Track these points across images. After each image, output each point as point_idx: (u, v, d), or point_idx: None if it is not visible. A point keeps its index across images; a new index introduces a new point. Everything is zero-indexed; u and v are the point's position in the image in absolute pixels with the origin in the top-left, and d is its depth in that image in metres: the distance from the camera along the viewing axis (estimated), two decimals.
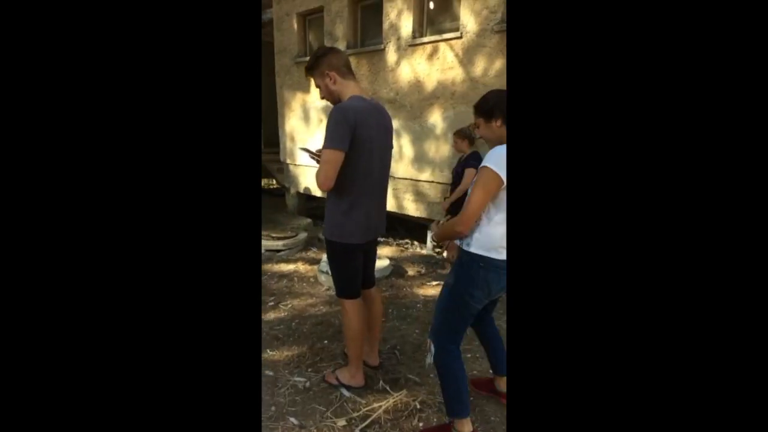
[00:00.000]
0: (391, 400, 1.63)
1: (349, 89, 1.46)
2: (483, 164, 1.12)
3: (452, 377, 1.31)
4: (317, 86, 1.52)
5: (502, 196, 1.13)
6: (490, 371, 1.68)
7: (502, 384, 1.61)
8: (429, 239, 1.16)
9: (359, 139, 1.36)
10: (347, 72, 1.47)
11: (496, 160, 1.09)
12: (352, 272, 1.57)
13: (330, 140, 1.33)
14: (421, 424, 1.50)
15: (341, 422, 1.50)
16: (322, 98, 1.53)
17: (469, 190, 1.18)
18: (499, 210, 1.15)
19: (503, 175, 1.08)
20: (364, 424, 1.50)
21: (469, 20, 3.08)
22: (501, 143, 1.19)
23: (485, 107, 1.22)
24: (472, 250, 1.19)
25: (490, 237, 1.16)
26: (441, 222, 1.54)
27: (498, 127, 1.21)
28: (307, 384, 1.73)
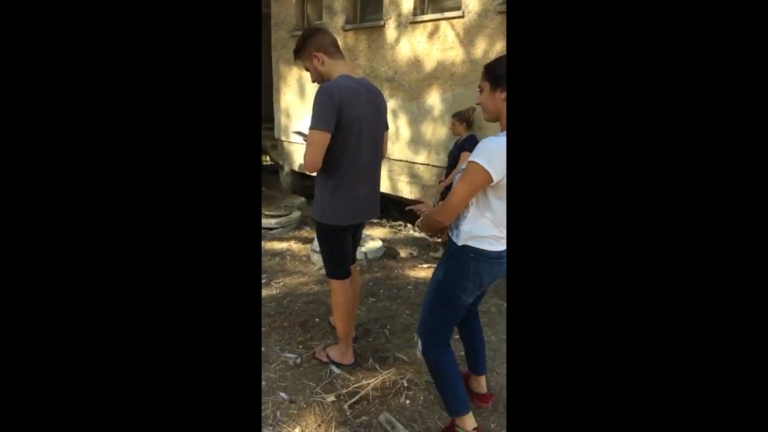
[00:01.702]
0: (380, 378, 1.67)
1: (338, 69, 1.43)
2: (472, 158, 1.02)
3: (444, 374, 1.26)
4: (306, 69, 1.49)
5: (491, 192, 1.06)
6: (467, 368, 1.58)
7: (478, 384, 1.53)
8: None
9: (346, 120, 1.34)
10: (335, 51, 1.44)
11: (488, 156, 1.00)
12: (341, 253, 1.57)
13: (315, 121, 1.31)
14: (408, 402, 1.55)
15: (330, 398, 1.54)
16: (313, 81, 1.50)
17: (455, 181, 1.11)
18: (488, 205, 1.08)
19: (492, 172, 0.99)
20: (352, 400, 1.54)
21: None
22: (497, 119, 1.10)
23: (496, 72, 1.06)
24: (462, 241, 1.13)
25: (480, 228, 1.10)
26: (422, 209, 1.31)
27: (501, 99, 1.06)
28: (298, 360, 1.76)
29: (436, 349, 1.26)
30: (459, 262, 1.15)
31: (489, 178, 1.01)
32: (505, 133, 1.05)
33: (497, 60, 1.08)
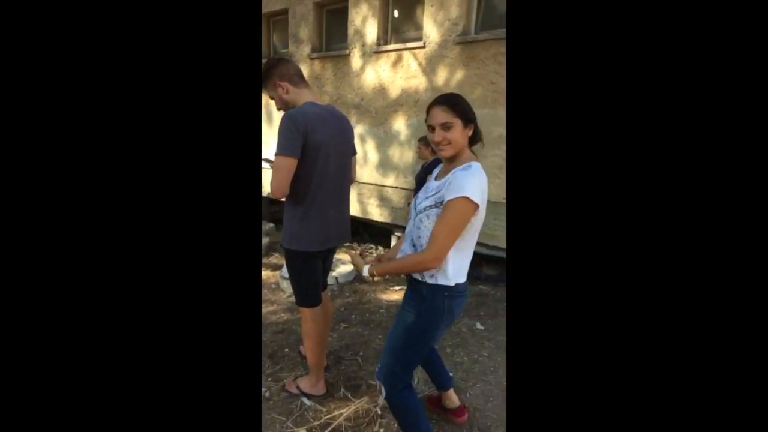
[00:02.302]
0: (352, 407, 1.62)
1: (302, 97, 1.45)
2: (460, 194, 1.00)
3: (408, 412, 1.23)
4: (271, 98, 1.50)
5: (474, 220, 1.06)
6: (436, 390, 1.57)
7: (449, 400, 1.55)
8: (364, 270, 1.06)
9: (312, 145, 1.35)
10: (300, 80, 1.46)
11: (472, 189, 1.01)
12: (311, 280, 1.55)
13: (281, 147, 1.32)
14: (381, 430, 1.51)
15: (302, 431, 1.48)
16: (279, 109, 1.52)
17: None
18: (466, 237, 1.08)
19: (480, 202, 1.02)
20: None
21: (432, 30, 3.17)
22: (460, 154, 1.11)
23: (467, 110, 1.08)
24: (439, 282, 1.10)
25: (457, 266, 1.10)
26: (366, 252, 1.30)
27: (468, 135, 1.10)
28: (267, 394, 1.69)
29: (402, 392, 1.21)
30: (432, 303, 1.12)
31: (476, 209, 1.03)
32: (469, 165, 1.07)
33: (460, 98, 1.09)
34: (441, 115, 1.07)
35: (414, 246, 1.15)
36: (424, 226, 1.11)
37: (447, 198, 1.03)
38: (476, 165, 1.08)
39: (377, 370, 1.25)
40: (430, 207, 1.09)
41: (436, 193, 1.09)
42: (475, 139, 1.13)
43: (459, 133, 1.07)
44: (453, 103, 1.07)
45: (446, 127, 1.07)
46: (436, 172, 1.23)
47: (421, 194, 1.17)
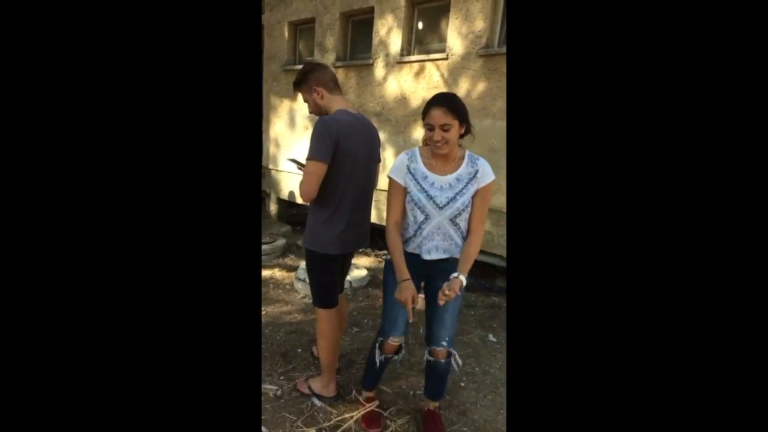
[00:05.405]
0: (363, 411, 1.64)
1: (336, 103, 1.50)
2: (492, 178, 1.26)
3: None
4: (305, 101, 1.56)
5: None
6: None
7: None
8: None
9: (342, 152, 1.40)
10: (334, 87, 1.52)
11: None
12: (329, 282, 1.58)
13: (313, 152, 1.37)
14: None
15: (311, 431, 1.50)
16: (311, 113, 1.58)
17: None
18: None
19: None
20: None
21: (455, 42, 3.21)
22: (453, 148, 1.24)
23: (464, 110, 1.19)
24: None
25: None
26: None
27: (461, 132, 1.22)
28: (279, 392, 1.72)
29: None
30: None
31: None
32: (476, 156, 1.31)
33: (455, 101, 1.19)
34: (441, 117, 1.17)
35: (461, 230, 1.33)
36: (462, 218, 1.30)
37: (482, 184, 1.25)
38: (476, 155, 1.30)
39: (445, 343, 1.40)
40: (468, 203, 1.27)
41: (462, 188, 1.26)
42: (466, 132, 1.26)
43: (455, 133, 1.20)
44: (452, 105, 1.17)
45: (445, 128, 1.16)
46: (420, 166, 1.30)
47: (436, 193, 1.28)
